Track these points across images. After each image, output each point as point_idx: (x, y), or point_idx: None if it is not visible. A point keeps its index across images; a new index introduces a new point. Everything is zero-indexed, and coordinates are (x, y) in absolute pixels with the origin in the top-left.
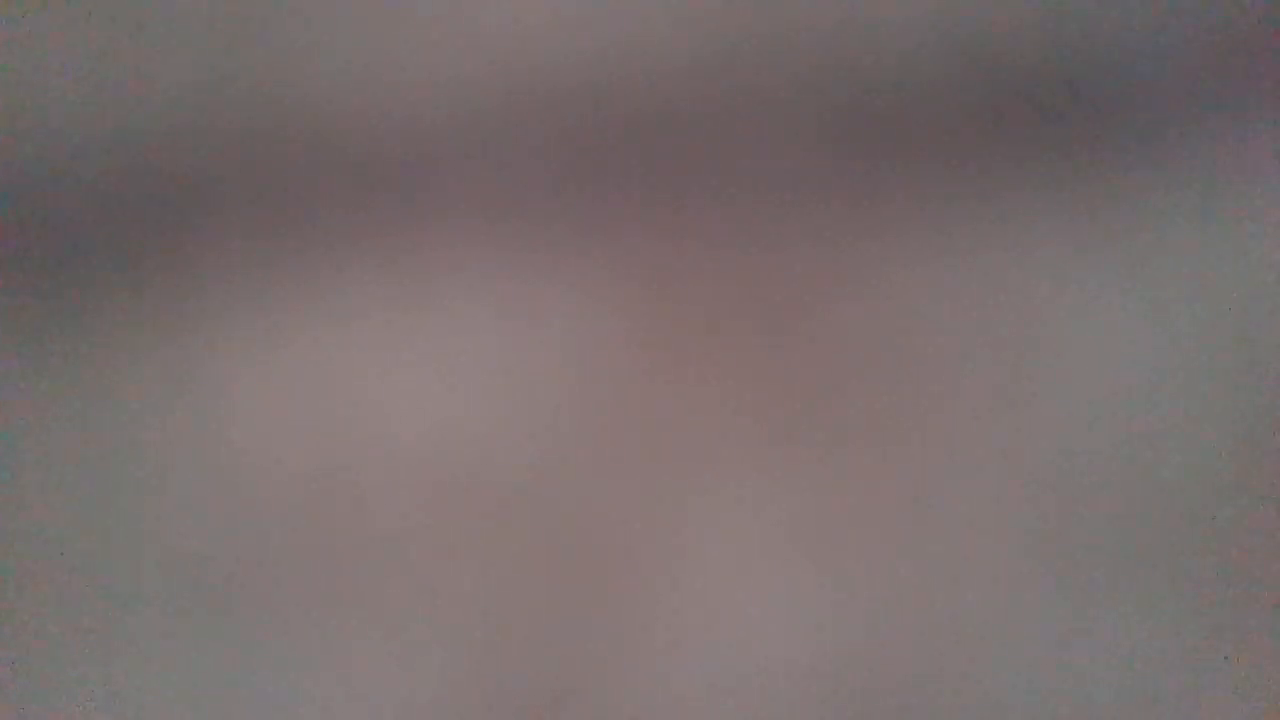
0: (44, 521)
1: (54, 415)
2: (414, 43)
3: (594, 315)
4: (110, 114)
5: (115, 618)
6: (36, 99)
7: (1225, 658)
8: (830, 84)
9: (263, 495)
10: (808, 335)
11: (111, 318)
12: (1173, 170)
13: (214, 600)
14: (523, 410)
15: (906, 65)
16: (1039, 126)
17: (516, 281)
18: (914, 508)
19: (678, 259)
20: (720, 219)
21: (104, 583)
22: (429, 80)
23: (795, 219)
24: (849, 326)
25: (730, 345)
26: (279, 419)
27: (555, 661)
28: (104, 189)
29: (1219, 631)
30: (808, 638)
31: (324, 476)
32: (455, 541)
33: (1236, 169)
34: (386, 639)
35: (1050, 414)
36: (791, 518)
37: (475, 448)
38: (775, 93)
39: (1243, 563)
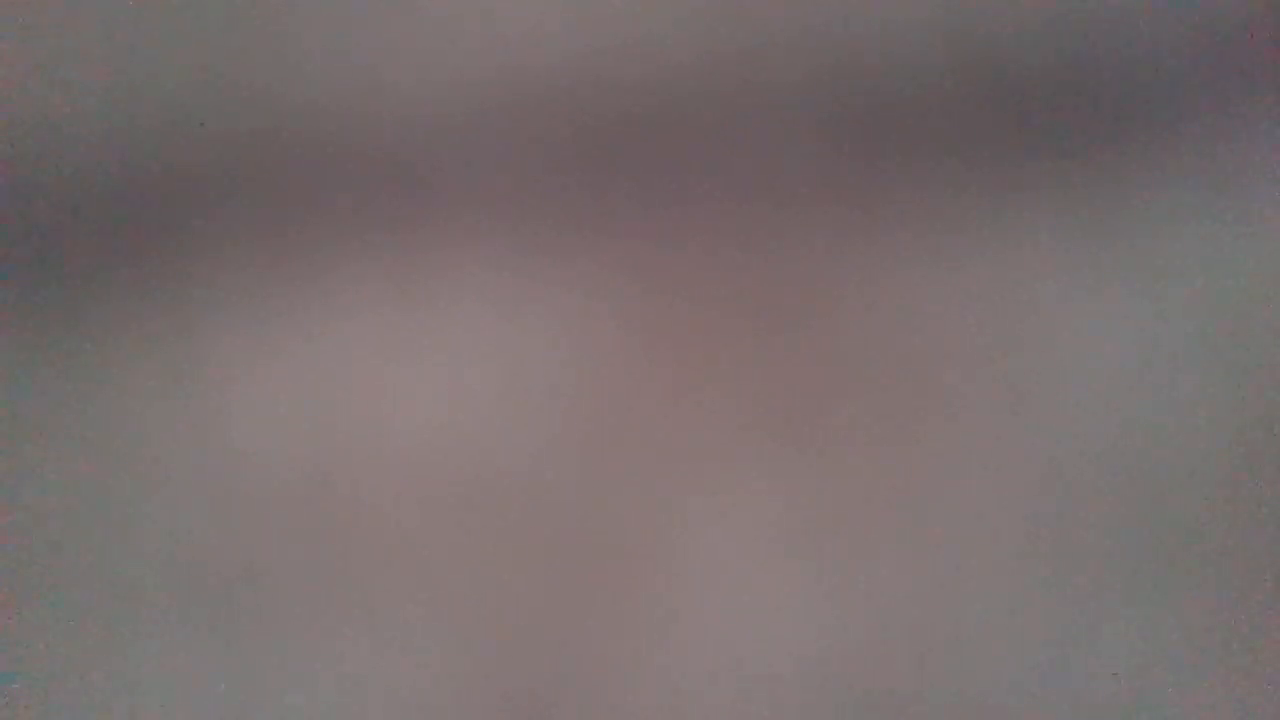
0: (44, 521)
1: (54, 415)
2: (415, 43)
3: (594, 315)
4: (110, 113)
5: (115, 617)
6: (37, 99)
7: (1225, 658)
8: (831, 84)
9: (263, 495)
10: (808, 335)
11: (111, 318)
12: (1173, 170)
13: (214, 600)
14: (522, 409)
15: (907, 66)
16: (1039, 126)
17: (516, 281)
18: (914, 508)
19: (678, 258)
20: (721, 219)
21: (104, 582)
22: (430, 80)
23: (795, 219)
24: (849, 326)
25: (730, 345)
26: (279, 419)
27: (556, 660)
28: (104, 188)
29: (1219, 631)
30: (808, 637)
31: (324, 476)
32: (454, 541)
33: (1236, 169)
34: (386, 639)
35: (1050, 414)
36: (792, 517)
37: (475, 447)
38: (776, 93)
39: (1243, 563)
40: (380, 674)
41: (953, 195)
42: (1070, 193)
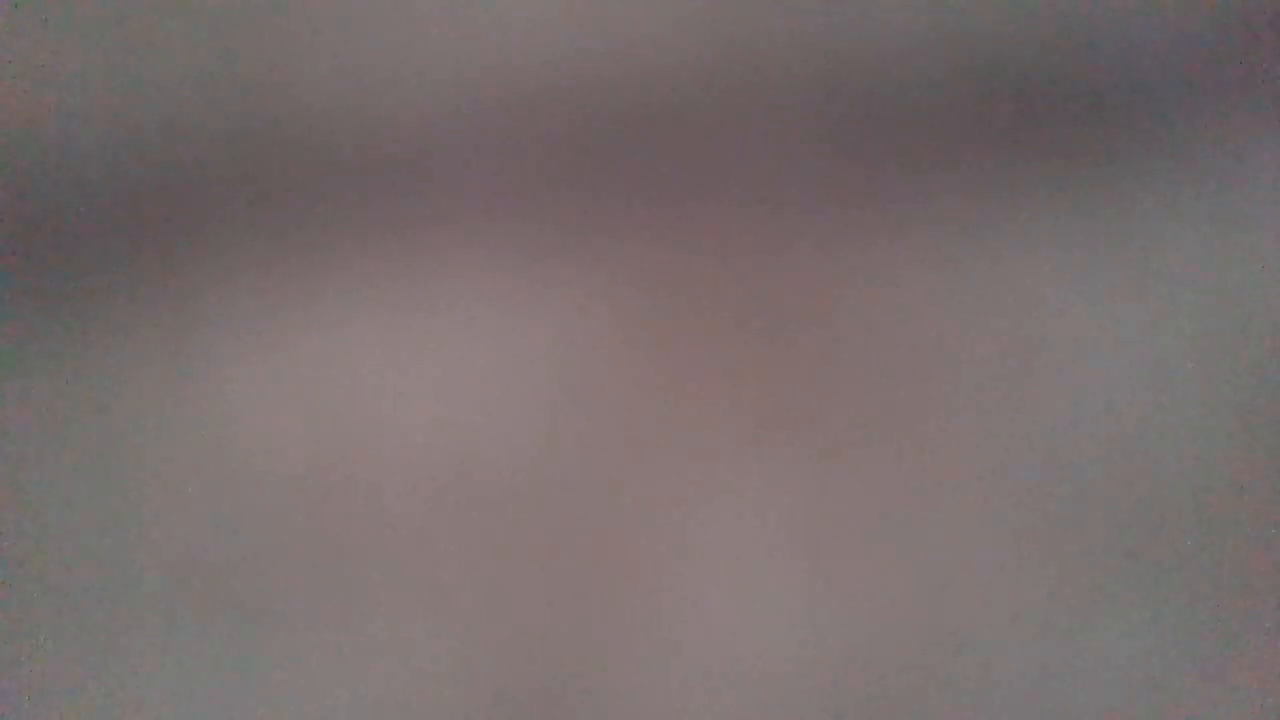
0: (44, 521)
1: (54, 415)
2: (414, 43)
3: (593, 315)
4: (110, 114)
5: (115, 617)
6: (36, 99)
7: (1225, 658)
8: (831, 84)
9: (263, 495)
10: (807, 336)
11: (111, 318)
12: (1173, 170)
13: (214, 599)
14: (522, 410)
15: (907, 66)
16: (1039, 127)
17: (516, 281)
18: (914, 508)
19: (677, 259)
20: (720, 219)
21: (104, 582)
22: (429, 80)
23: (795, 219)
24: (848, 326)
25: (729, 345)
26: (279, 419)
27: (555, 660)
28: (104, 190)
29: (1219, 631)
30: (808, 637)
31: (324, 476)
32: (455, 541)
33: (1236, 169)
34: (387, 638)
35: (1050, 414)
36: (791, 518)
37: (475, 448)
38: (776, 93)
39: (1243, 563)
40: (381, 672)
41: (953, 196)
42: (1070, 193)
